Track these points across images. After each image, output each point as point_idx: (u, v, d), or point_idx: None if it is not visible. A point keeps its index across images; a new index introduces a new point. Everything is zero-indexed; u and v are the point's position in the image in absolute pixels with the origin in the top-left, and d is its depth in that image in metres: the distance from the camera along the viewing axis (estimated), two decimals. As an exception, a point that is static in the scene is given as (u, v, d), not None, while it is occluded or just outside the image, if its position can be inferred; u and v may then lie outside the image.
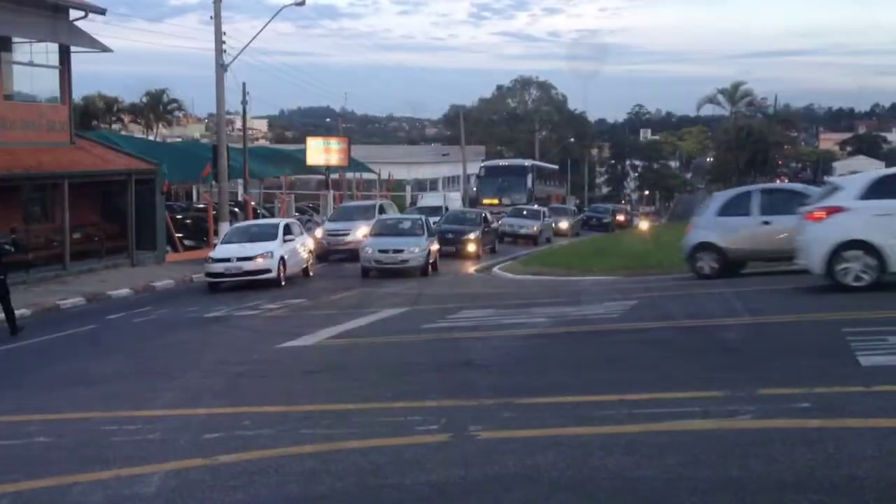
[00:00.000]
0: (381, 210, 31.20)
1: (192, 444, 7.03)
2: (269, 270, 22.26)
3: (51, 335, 15.95)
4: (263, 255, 22.41)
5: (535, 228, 38.36)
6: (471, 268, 27.36)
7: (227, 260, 22.44)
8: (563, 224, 45.47)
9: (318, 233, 29.42)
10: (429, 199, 43.74)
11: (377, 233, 25.36)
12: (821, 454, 5.50)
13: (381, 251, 24.20)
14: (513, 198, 48.17)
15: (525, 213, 40.71)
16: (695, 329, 11.07)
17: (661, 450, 5.84)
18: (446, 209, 37.65)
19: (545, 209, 42.41)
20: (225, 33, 30.56)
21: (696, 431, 6.24)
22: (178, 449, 6.89)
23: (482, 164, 54.70)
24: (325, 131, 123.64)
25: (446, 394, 8.29)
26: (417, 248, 24.25)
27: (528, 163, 55.13)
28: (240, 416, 7.96)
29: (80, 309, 20.82)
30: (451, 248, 29.35)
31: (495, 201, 47.95)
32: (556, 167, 69.24)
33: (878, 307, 11.48)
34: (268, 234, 23.64)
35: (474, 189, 54.67)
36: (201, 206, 37.53)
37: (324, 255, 28.14)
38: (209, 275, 22.68)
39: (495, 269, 26.32)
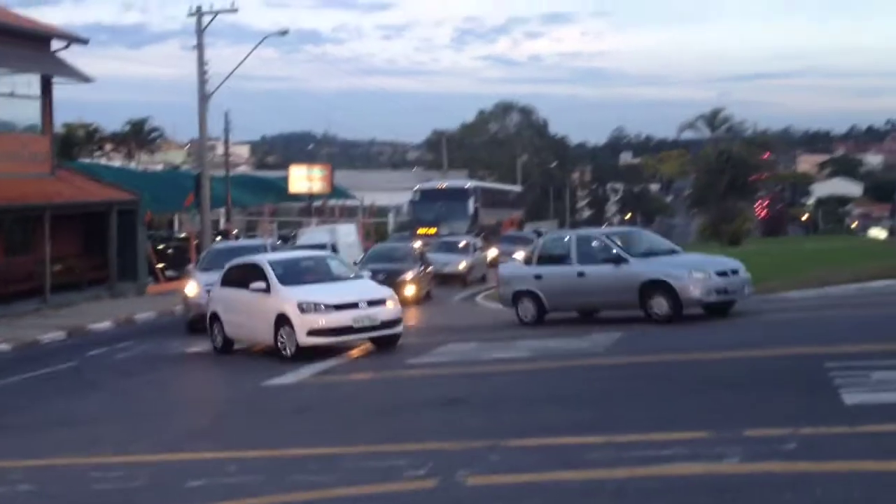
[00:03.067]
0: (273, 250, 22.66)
1: (177, 492, 6.99)
2: (398, 321, 15.14)
3: (32, 373, 15.77)
4: (392, 300, 15.26)
5: (462, 266, 30.54)
6: (455, 296, 27.28)
7: (354, 306, 14.51)
8: (518, 254, 39.57)
9: (192, 289, 20.53)
10: (310, 235, 31.23)
11: (643, 252, 16.63)
12: (808, 499, 5.53)
13: (719, 273, 15.61)
14: (452, 226, 40.87)
15: (451, 246, 32.57)
16: (680, 364, 11.10)
17: (648, 496, 5.85)
18: (333, 248, 27.41)
19: (476, 241, 34.36)
20: (207, 63, 30.61)
21: (684, 476, 6.26)
22: (163, 497, 6.84)
23: (416, 188, 46.97)
24: (308, 156, 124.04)
25: (433, 434, 8.28)
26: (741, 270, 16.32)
27: (468, 185, 47.60)
28: (225, 462, 7.92)
29: (61, 344, 20.61)
30: None
31: (432, 231, 40.50)
32: (515, 188, 62.14)
33: (859, 340, 11.55)
34: (337, 269, 16.59)
35: (408, 216, 47.19)
36: (183, 235, 37.39)
37: (199, 319, 19.10)
38: (319, 332, 14.22)
39: (478, 299, 26.30)
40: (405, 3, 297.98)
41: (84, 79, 28.17)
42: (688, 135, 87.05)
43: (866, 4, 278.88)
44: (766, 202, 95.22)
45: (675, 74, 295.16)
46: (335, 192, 47.49)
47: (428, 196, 44.99)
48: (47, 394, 13.34)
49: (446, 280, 29.43)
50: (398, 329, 14.97)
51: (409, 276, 24.00)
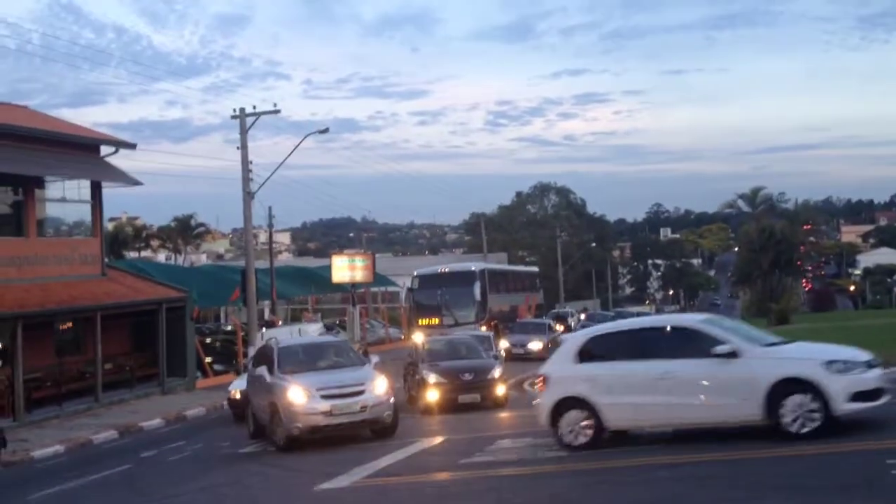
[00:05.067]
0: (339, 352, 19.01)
1: None
2: None
3: (86, 478, 15.92)
4: None
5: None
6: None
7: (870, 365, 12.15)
8: (535, 345, 34.42)
9: (299, 396, 16.32)
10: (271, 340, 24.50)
11: None
12: None
13: None
14: (457, 315, 36.51)
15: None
16: (740, 462, 10.90)
17: None
18: None
19: (487, 335, 26.37)
20: (251, 162, 31.37)
21: None
22: None
23: (415, 273, 41.00)
24: (347, 242, 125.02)
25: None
26: None
27: (475, 267, 41.64)
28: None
29: (114, 445, 20.82)
30: None
31: (435, 321, 36.29)
32: (531, 269, 57.22)
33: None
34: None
35: (405, 306, 41.52)
36: (229, 328, 37.80)
37: (305, 433, 16.41)
38: (864, 396, 11.59)
39: (525, 386, 26.08)
40: (439, 89, 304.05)
41: (133, 183, 29.00)
42: (728, 209, 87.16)
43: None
44: (810, 273, 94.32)
45: (710, 149, 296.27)
46: (377, 279, 47.79)
47: (428, 282, 39.11)
48: (103, 503, 13.43)
49: None
50: None
51: (497, 372, 21.80)
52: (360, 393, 16.49)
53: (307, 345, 19.79)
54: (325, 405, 16.18)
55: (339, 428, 16.43)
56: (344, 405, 16.29)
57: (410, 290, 39.74)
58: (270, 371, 17.34)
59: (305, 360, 17.99)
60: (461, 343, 24.05)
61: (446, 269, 41.59)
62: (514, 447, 14.06)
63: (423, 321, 36.64)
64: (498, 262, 65.03)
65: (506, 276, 47.97)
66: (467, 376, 21.20)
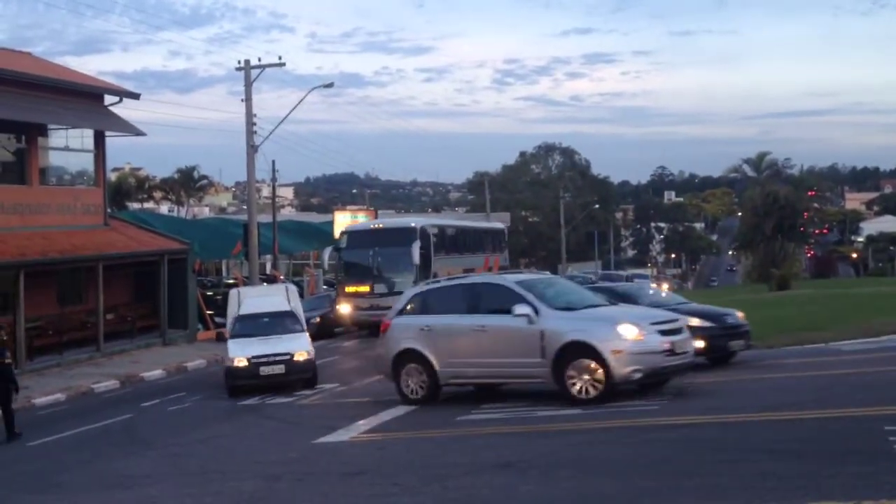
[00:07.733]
0: None
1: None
2: None
3: (87, 426, 16.05)
4: None
5: None
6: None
7: None
8: None
9: (631, 331, 13.19)
10: (256, 299, 22.80)
11: None
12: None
13: None
14: (393, 281, 29.76)
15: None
16: (736, 425, 10.93)
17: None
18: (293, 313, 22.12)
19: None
20: (255, 115, 31.15)
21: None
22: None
23: (344, 230, 33.94)
24: (350, 198, 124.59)
25: (488, 504, 8.24)
26: None
27: (415, 223, 33.04)
28: (282, 532, 7.93)
29: (115, 394, 20.98)
30: None
31: (364, 289, 29.98)
32: (495, 225, 47.85)
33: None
34: None
35: (329, 265, 34.52)
36: (231, 281, 37.86)
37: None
38: None
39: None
40: (446, 46, 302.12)
41: (136, 132, 28.90)
42: (733, 174, 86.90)
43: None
44: (813, 240, 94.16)
45: (716, 112, 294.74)
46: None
47: (358, 241, 31.46)
48: (103, 451, 13.53)
49: None
50: None
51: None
52: (681, 330, 13.52)
53: (537, 279, 15.67)
54: (665, 342, 12.99)
55: (675, 370, 13.44)
56: (679, 343, 13.19)
57: (337, 249, 31.89)
58: (535, 310, 13.56)
59: (562, 295, 14.57)
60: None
61: (380, 225, 34.79)
62: (512, 404, 14.07)
63: (350, 288, 30.32)
64: (500, 221, 63.39)
65: (459, 233, 39.63)
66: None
